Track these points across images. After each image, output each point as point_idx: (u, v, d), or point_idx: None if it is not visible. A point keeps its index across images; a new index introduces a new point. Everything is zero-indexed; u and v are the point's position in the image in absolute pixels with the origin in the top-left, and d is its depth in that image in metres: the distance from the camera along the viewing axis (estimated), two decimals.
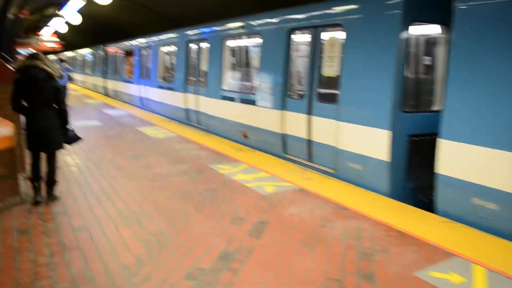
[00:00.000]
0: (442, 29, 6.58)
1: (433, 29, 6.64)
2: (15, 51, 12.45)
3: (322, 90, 7.59)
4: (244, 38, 10.30)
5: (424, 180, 6.41)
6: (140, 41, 17.58)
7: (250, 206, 5.69)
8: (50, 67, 5.47)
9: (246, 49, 11.95)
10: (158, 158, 8.32)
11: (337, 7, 7.13)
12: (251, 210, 5.52)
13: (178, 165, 7.80)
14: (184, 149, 9.20)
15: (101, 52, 24.64)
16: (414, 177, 6.51)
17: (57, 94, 5.54)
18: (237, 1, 13.07)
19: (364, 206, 5.78)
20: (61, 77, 5.64)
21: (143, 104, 17.24)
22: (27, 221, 4.96)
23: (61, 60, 21.22)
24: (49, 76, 5.45)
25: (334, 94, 7.20)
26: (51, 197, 5.68)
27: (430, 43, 6.82)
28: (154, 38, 15.79)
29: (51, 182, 5.70)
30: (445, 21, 6.04)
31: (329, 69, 7.32)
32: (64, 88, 19.85)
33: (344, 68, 6.92)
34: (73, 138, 6.07)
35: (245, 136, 9.72)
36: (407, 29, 6.10)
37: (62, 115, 5.69)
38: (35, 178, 5.61)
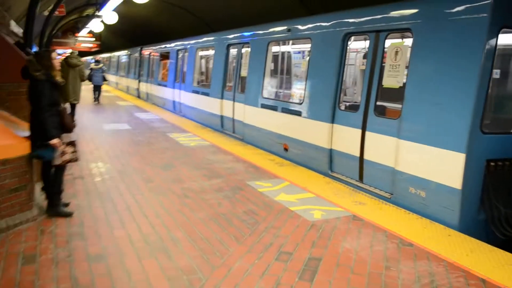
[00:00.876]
0: None
1: None
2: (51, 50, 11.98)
3: (381, 103, 6.65)
4: (291, 43, 9.48)
5: (498, 211, 5.44)
6: (177, 44, 16.99)
7: (297, 236, 4.80)
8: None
9: (292, 55, 11.18)
10: (189, 170, 7.53)
11: (405, 9, 6.20)
12: (300, 242, 4.63)
13: (212, 180, 6.98)
14: (219, 161, 8.39)
15: (136, 54, 24.29)
16: (488, 208, 5.50)
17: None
18: (281, 7, 12.32)
19: (432, 242, 4.82)
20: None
21: (176, 108, 16.62)
22: (36, 244, 4.21)
23: (97, 61, 20.91)
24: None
25: (396, 108, 6.26)
26: (52, 210, 4.96)
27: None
28: (192, 41, 15.14)
29: (49, 193, 4.98)
30: None
31: (391, 79, 6.38)
32: (98, 88, 19.67)
33: (410, 79, 5.98)
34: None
35: (286, 149, 8.85)
36: (495, 36, 5.12)
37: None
38: (44, 187, 4.91)
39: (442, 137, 5.52)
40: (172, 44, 17.58)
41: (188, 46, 15.37)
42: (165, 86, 18.05)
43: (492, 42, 5.11)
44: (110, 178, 6.82)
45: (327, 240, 4.74)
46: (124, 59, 29.04)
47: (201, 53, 15.36)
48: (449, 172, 5.41)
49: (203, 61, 15.91)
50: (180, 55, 16.59)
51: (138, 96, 23.78)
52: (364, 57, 6.95)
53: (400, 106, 6.19)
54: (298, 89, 9.64)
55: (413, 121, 5.93)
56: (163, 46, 18.99)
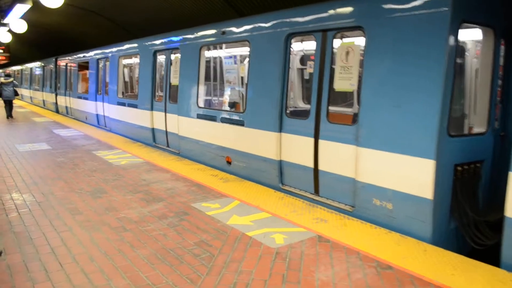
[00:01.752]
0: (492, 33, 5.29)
1: (484, 33, 5.34)
2: None
3: (334, 108, 6.13)
4: (228, 47, 8.78)
5: (467, 218, 5.13)
6: (96, 52, 15.67)
7: (263, 270, 4.08)
8: None
9: (228, 60, 10.48)
10: (124, 195, 6.56)
11: (355, 6, 5.71)
12: (268, 279, 3.91)
13: (152, 205, 6.07)
14: (156, 180, 7.47)
15: (51, 65, 22.39)
16: (458, 216, 5.15)
17: None
18: (208, 9, 11.61)
19: (411, 262, 4.32)
20: None
21: (101, 123, 15.30)
22: None
23: (7, 75, 18.96)
24: None
25: (353, 113, 5.76)
26: None
27: (476, 49, 5.53)
28: (114, 49, 13.94)
29: None
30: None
31: (344, 82, 5.88)
32: (10, 103, 17.85)
33: (366, 81, 5.50)
34: None
35: (229, 163, 8.12)
36: (456, 32, 4.75)
37: None
38: None
39: (406, 142, 5.07)
40: (91, 53, 16.22)
41: (110, 55, 14.15)
42: (87, 99, 16.61)
43: (455, 37, 4.73)
44: (28, 212, 5.69)
45: (298, 272, 4.06)
46: (38, 71, 26.81)
47: (124, 61, 14.22)
48: (418, 180, 4.97)
49: (127, 70, 14.76)
50: (101, 65, 15.32)
51: (57, 111, 21.91)
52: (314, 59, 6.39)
53: (357, 111, 5.70)
54: (239, 97, 8.97)
55: (373, 126, 5.44)
56: (81, 55, 17.52)
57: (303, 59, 9.37)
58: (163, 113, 10.49)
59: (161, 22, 14.05)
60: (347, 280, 3.92)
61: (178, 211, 5.82)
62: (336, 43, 6.06)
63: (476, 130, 5.50)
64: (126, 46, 13.01)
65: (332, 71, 6.08)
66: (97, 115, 15.57)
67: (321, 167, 6.25)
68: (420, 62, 4.90)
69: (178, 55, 9.77)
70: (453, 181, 5.07)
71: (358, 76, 5.77)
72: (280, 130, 6.84)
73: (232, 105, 9.31)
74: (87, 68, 16.78)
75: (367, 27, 5.47)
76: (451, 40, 4.69)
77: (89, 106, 16.29)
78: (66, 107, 19.90)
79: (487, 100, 5.47)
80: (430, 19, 4.80)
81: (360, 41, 5.80)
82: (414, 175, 5.01)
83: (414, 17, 4.95)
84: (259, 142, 7.26)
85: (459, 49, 4.82)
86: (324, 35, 6.12)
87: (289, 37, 6.67)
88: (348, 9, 5.72)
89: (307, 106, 6.58)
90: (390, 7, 5.19)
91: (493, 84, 5.43)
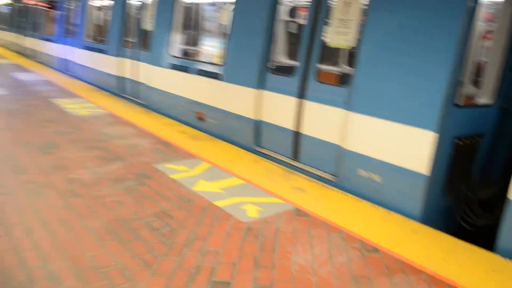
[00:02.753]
0: None
1: None
2: None
3: (325, 67, 5.44)
4: None
5: (460, 196, 4.60)
6: None
7: (232, 251, 3.48)
8: None
9: (208, 5, 9.55)
10: (79, 151, 5.81)
11: None
12: (237, 261, 3.32)
13: (110, 164, 5.35)
14: (118, 136, 6.71)
15: (19, 3, 20.71)
16: (451, 193, 4.63)
17: None
18: None
19: (399, 245, 3.80)
20: None
21: (67, 68, 14.19)
22: None
23: None
24: None
25: (344, 73, 5.09)
26: None
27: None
28: None
29: None
30: None
31: (340, 37, 5.15)
32: None
33: (365, 38, 4.79)
34: None
35: (201, 119, 7.39)
36: None
37: None
38: None
39: (406, 110, 4.45)
40: None
41: None
42: (54, 41, 15.36)
43: None
44: None
45: (272, 253, 3.48)
46: (4, 9, 24.93)
47: (96, 1, 13.01)
48: (414, 153, 4.38)
49: (97, 11, 13.54)
50: (71, 4, 14.04)
51: (24, 54, 20.47)
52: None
53: (351, 71, 5.02)
54: (217, 47, 8.15)
55: (368, 90, 4.78)
56: None
57: (294, 11, 8.57)
58: (133, 61, 9.57)
59: None
60: (328, 265, 3.37)
61: (138, 173, 5.13)
62: None
63: (482, 100, 4.90)
64: None
65: (326, 25, 5.34)
66: (64, 59, 14.43)
67: (303, 130, 5.61)
68: (433, 20, 4.20)
69: None
70: (450, 155, 4.52)
71: (356, 33, 5.05)
72: (261, 86, 6.12)
73: (211, 57, 8.48)
74: (56, 7, 15.43)
75: None
76: None
77: (56, 49, 15.08)
78: (33, 50, 18.53)
79: (497, 69, 4.85)
80: None
81: None
82: (409, 147, 4.42)
83: None
84: (236, 98, 6.54)
85: (476, 9, 4.14)
86: None
87: None
88: None
89: (294, 63, 5.87)
90: None
91: (508, 51, 4.81)
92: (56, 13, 15.33)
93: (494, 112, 5.00)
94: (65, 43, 14.11)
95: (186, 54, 9.22)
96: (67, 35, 13.97)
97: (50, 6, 16.33)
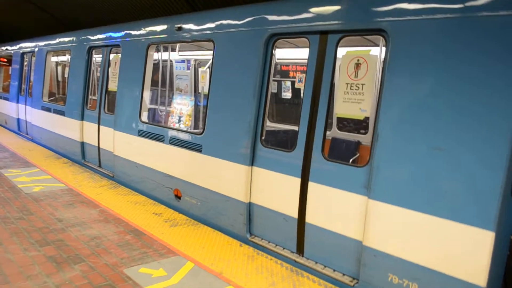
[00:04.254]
0: None
1: None
2: None
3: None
4: (183, 48, 6.95)
5: None
6: (22, 46, 13.20)
7: None
8: None
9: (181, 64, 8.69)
10: (25, 251, 4.51)
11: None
12: None
13: (65, 272, 4.08)
14: (77, 223, 5.45)
15: None
16: None
17: None
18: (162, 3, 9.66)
19: None
20: None
21: (22, 129, 12.84)
22: None
23: None
24: None
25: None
26: None
27: None
28: (41, 42, 11.59)
29: None
30: None
31: (350, 106, 4.26)
32: None
33: (385, 105, 3.88)
34: None
35: (178, 197, 6.23)
36: None
37: None
38: None
39: (449, 201, 3.47)
40: (16, 46, 13.72)
41: (36, 49, 11.79)
42: (7, 99, 14.05)
43: None
44: None
45: None
46: None
47: (54, 58, 11.95)
48: (465, 259, 3.37)
49: (57, 68, 12.48)
50: (26, 60, 12.91)
51: None
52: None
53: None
54: (196, 112, 7.16)
55: (395, 172, 3.81)
56: (4, 48, 14.93)
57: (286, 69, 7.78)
58: (96, 125, 8.41)
59: (99, 12, 11.88)
60: None
61: (103, 284, 3.88)
62: (341, 50, 4.41)
63: None
64: (57, 39, 10.72)
65: (332, 88, 4.44)
66: (18, 119, 13.09)
67: (309, 219, 4.56)
68: (485, 83, 3.34)
69: (119, 54, 7.77)
70: (507, 258, 3.55)
71: (372, 98, 4.16)
72: (253, 163, 5.08)
73: (186, 123, 7.47)
74: (11, 63, 14.24)
75: (392, 32, 3.85)
76: None
77: (10, 108, 13.75)
78: None
79: None
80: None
81: (377, 50, 4.20)
82: (459, 250, 3.42)
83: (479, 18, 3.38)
84: (221, 175, 5.46)
85: None
86: (324, 38, 4.45)
87: (271, 39, 4.94)
88: (371, 9, 4.07)
89: (291, 129, 4.93)
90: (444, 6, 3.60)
91: None
92: (11, 68, 14.14)
93: None
94: (19, 101, 12.84)
95: (157, 119, 8.23)
96: (22, 93, 12.73)
97: (5, 60, 15.14)
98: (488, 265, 3.27)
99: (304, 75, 4.75)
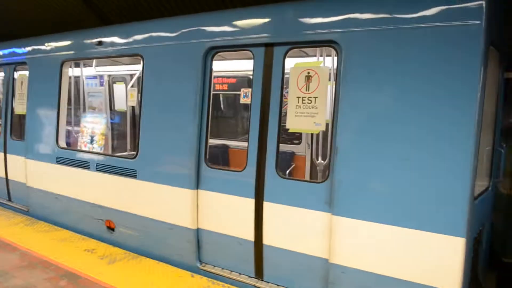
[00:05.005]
0: None
1: None
2: None
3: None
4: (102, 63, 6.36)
5: None
6: None
7: None
8: None
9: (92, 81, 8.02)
10: None
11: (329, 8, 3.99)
12: None
13: None
14: None
15: None
16: None
17: None
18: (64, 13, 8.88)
19: None
20: None
21: None
22: None
23: None
24: None
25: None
26: None
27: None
28: None
29: None
30: None
31: (303, 120, 4.08)
32: None
33: (347, 118, 3.76)
34: None
35: (111, 229, 5.64)
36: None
37: None
38: None
39: (416, 211, 3.47)
40: None
41: None
42: None
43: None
44: None
45: None
46: None
47: None
48: (439, 267, 3.38)
49: None
50: None
51: None
52: None
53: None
54: (126, 134, 6.58)
55: (359, 185, 3.72)
56: None
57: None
58: (2, 153, 7.43)
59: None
60: None
61: None
62: (289, 62, 4.22)
63: (483, 184, 4.13)
64: None
65: (282, 102, 4.24)
66: None
67: (267, 240, 4.31)
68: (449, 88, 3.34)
69: (26, 73, 6.91)
70: (472, 260, 3.61)
71: (326, 110, 4.03)
72: (198, 185, 4.71)
73: (117, 146, 6.86)
74: None
75: (344, 43, 3.74)
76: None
77: None
78: None
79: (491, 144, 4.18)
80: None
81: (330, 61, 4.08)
82: (431, 259, 3.40)
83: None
84: (163, 202, 5.00)
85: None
86: (269, 51, 4.23)
87: (209, 52, 4.62)
88: (320, 19, 3.94)
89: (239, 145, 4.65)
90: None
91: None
92: None
93: (492, 195, 4.32)
94: None
95: (78, 143, 7.48)
96: None
97: None
98: (462, 270, 3.28)
99: (250, 90, 4.50)
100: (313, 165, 6.14)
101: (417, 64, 3.44)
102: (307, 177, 6.18)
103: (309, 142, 6.30)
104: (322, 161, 5.29)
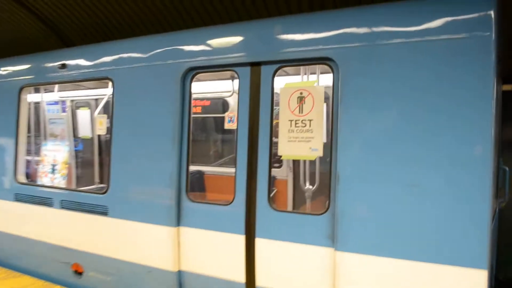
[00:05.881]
0: None
1: None
2: None
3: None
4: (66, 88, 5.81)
5: None
6: None
7: None
8: None
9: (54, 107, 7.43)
10: None
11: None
12: None
13: None
14: None
15: None
16: None
17: None
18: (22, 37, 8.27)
19: None
20: None
21: None
22: None
23: None
24: None
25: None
26: None
27: None
28: None
29: None
30: None
31: (297, 146, 3.72)
32: None
33: (349, 142, 3.39)
34: None
35: (79, 273, 5.01)
36: None
37: None
38: None
39: (433, 242, 3.10)
40: None
41: None
42: None
43: None
44: None
45: None
46: None
47: None
48: None
49: None
50: None
51: None
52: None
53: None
54: (93, 163, 5.99)
55: (362, 217, 3.33)
56: None
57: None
58: None
59: None
60: None
61: None
62: (278, 82, 3.83)
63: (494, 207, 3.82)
64: None
65: (270, 125, 3.82)
66: None
67: (260, 282, 3.83)
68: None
69: None
70: None
71: (324, 134, 3.65)
72: (179, 222, 4.20)
73: (83, 175, 6.26)
74: None
75: (341, 60, 3.39)
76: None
77: None
78: None
79: None
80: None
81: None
82: None
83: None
84: (138, 241, 4.45)
85: None
86: (256, 70, 3.84)
87: (189, 73, 4.18)
88: (316, 35, 3.59)
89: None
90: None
91: None
92: None
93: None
94: None
95: (38, 174, 6.81)
96: None
97: None
98: None
99: (235, 113, 4.07)
100: (296, 190, 5.76)
101: (427, 78, 3.12)
102: (290, 204, 5.79)
103: (291, 166, 5.92)
104: (311, 187, 4.90)
